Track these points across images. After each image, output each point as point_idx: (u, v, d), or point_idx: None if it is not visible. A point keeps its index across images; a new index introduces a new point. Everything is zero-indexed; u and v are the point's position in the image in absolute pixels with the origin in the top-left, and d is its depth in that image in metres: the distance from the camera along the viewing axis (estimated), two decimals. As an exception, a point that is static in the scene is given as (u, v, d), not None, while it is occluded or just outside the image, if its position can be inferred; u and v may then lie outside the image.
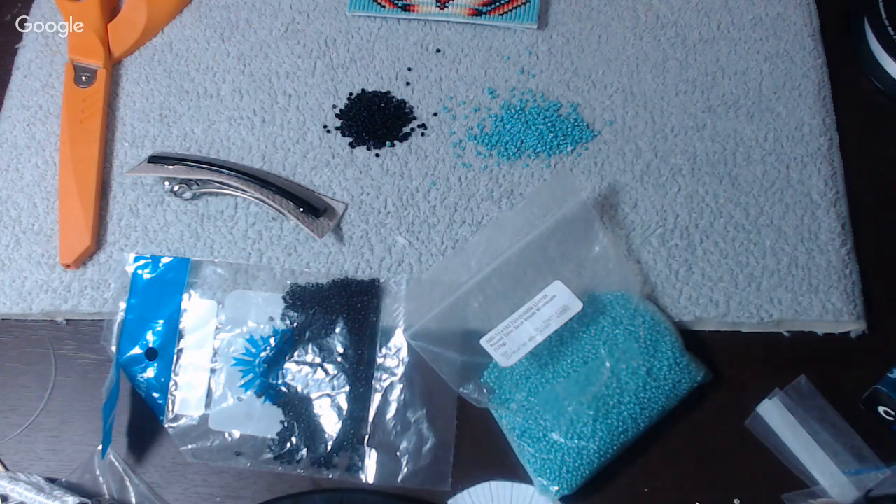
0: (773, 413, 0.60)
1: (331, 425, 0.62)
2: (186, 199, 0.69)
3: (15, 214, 0.69)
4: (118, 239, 0.68)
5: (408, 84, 0.73)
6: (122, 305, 0.65)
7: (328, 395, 0.62)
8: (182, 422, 0.62)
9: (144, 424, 0.63)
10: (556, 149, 0.70)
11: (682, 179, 0.68)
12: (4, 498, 0.59)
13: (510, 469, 0.61)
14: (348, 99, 0.73)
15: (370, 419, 0.62)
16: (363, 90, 0.73)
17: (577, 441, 0.58)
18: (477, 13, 0.75)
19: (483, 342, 0.61)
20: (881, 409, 0.60)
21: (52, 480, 0.61)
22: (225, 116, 0.72)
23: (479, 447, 0.61)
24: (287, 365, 0.63)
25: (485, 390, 0.61)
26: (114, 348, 0.64)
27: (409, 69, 0.74)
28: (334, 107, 0.72)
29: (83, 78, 0.72)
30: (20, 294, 0.66)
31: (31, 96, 0.74)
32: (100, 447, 0.61)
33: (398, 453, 0.61)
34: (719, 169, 0.69)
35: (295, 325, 0.64)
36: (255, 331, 0.64)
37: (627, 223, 0.67)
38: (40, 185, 0.70)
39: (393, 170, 0.70)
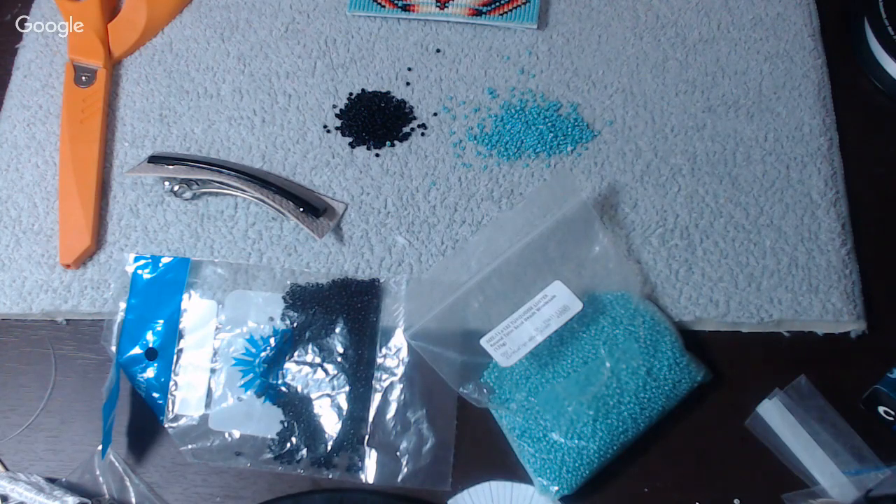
0: (773, 413, 0.60)
1: (331, 425, 0.62)
2: (186, 199, 0.69)
3: (15, 214, 0.69)
4: (118, 239, 0.68)
5: (408, 84, 0.73)
6: (122, 305, 0.65)
7: (328, 395, 0.62)
8: (182, 422, 0.62)
9: (144, 424, 0.63)
10: (556, 149, 0.70)
11: (682, 179, 0.68)
12: (4, 498, 0.59)
13: (510, 469, 0.61)
14: (348, 99, 0.73)
15: (370, 419, 0.62)
16: (363, 90, 0.73)
17: (577, 441, 0.58)
18: (477, 13, 0.75)
19: (483, 342, 0.61)
20: (881, 409, 0.60)
21: (52, 480, 0.61)
22: (225, 116, 0.72)
23: (479, 447, 0.61)
24: (287, 365, 0.63)
25: (485, 390, 0.61)
26: (114, 348, 0.64)
27: (409, 69, 0.74)
28: (334, 107, 0.72)
29: (83, 78, 0.72)
30: (20, 294, 0.66)
31: (31, 96, 0.73)
32: (100, 447, 0.61)
33: (398, 453, 0.61)
34: (719, 169, 0.69)
35: (295, 325, 0.64)
36: (255, 331, 0.64)
37: (627, 223, 0.67)
38: (40, 185, 0.70)
39: (393, 170, 0.70)
